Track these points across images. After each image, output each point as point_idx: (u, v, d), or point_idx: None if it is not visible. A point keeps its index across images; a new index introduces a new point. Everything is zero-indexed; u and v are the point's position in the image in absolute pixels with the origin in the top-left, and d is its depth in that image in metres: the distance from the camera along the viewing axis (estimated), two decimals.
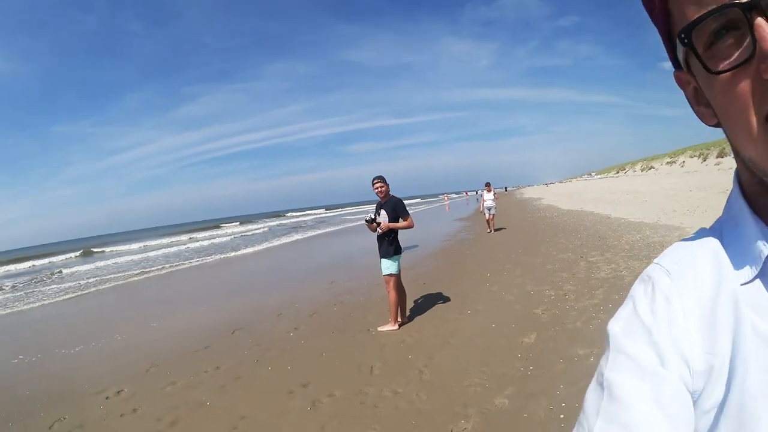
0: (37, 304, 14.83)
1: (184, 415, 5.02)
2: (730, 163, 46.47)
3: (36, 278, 25.60)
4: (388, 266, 7.05)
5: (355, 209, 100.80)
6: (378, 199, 7.25)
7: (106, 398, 5.78)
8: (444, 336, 6.45)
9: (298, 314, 8.69)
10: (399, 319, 7.25)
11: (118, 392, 5.93)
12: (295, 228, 43.11)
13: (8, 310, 14.41)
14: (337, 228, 35.91)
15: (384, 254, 7.08)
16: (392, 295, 7.05)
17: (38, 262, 40.27)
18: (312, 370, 5.85)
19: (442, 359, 5.64)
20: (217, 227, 72.91)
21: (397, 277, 7.10)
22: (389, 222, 6.99)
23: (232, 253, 23.99)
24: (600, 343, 4.95)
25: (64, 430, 5.04)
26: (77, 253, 46.50)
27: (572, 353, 5.12)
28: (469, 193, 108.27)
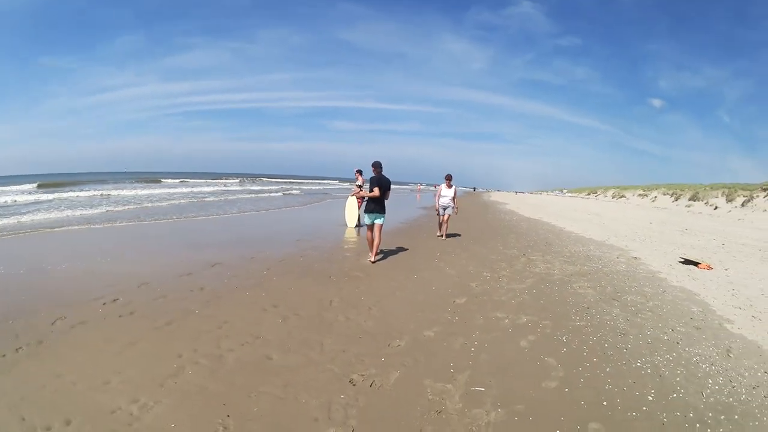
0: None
1: (177, 318, 6.16)
2: (700, 207, 48.42)
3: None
4: (364, 219, 10.74)
5: (333, 183, 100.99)
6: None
7: (104, 304, 6.67)
8: (392, 289, 8.06)
9: (268, 259, 10.24)
10: (372, 257, 10.44)
11: (114, 300, 6.85)
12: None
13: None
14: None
15: (365, 210, 10.64)
16: (368, 234, 10.60)
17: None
18: (282, 297, 7.30)
19: (387, 303, 7.20)
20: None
21: (369, 226, 10.51)
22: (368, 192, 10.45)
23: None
24: (516, 312, 6.51)
25: (66, 327, 5.76)
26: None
27: (492, 315, 6.67)
28: (421, 186, 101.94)
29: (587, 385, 4.52)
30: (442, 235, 15.01)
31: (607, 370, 4.88)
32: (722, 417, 4.03)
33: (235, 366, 4.78)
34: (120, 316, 6.20)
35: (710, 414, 4.07)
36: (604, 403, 4.18)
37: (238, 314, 6.43)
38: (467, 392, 4.31)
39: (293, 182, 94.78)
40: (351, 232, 15.79)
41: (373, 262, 10.27)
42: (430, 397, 4.23)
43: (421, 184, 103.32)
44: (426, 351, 5.31)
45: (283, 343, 5.45)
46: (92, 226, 15.48)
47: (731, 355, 5.45)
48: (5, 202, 25.34)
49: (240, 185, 63.51)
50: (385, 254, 11.32)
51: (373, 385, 4.44)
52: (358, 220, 16.79)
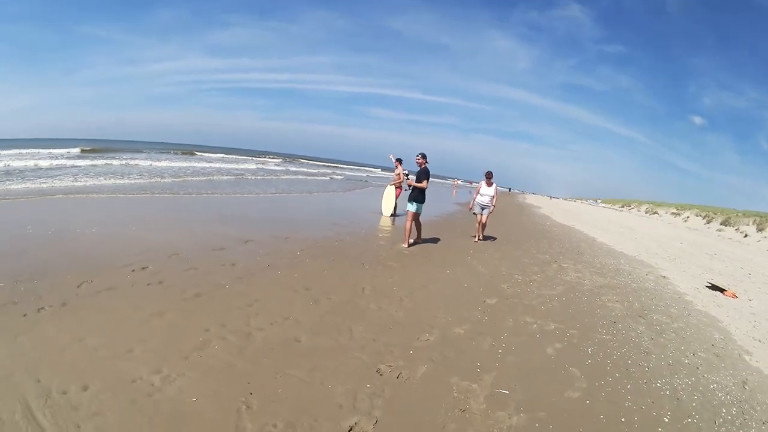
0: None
1: (206, 291, 6.28)
2: (731, 233, 47.65)
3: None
4: (408, 207, 11.17)
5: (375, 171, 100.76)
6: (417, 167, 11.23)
7: (132, 270, 6.80)
8: (424, 282, 8.28)
9: (304, 240, 10.51)
10: (409, 242, 11.32)
11: (143, 268, 6.96)
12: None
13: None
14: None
15: (409, 199, 11.20)
16: (407, 223, 11.14)
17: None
18: (314, 280, 7.48)
19: (419, 295, 7.42)
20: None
21: (413, 214, 11.12)
22: (415, 182, 11.05)
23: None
24: (545, 318, 6.71)
25: (92, 291, 5.85)
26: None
27: (522, 319, 6.86)
28: (458, 182, 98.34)
29: (608, 400, 4.67)
30: (477, 238, 14.00)
31: (628, 386, 5.03)
32: None
33: (262, 345, 4.86)
34: (148, 284, 6.31)
35: None
36: (623, 419, 4.32)
37: (269, 293, 6.55)
38: (492, 393, 4.45)
39: (334, 166, 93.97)
40: (386, 221, 15.95)
41: (410, 246, 11.21)
42: (456, 395, 4.36)
43: (458, 180, 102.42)
44: (455, 348, 5.46)
45: (314, 326, 5.56)
46: (126, 195, 15.72)
47: (747, 387, 5.53)
48: (50, 165, 26.14)
49: (279, 165, 63.62)
50: (418, 246, 11.55)
51: (400, 377, 4.56)
52: (394, 209, 17.02)
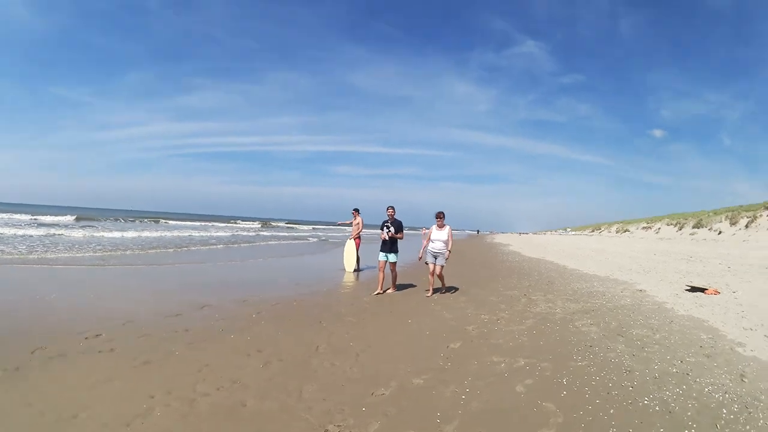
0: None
1: (157, 358, 6.09)
2: (704, 234, 48.49)
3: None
4: (389, 257, 12.23)
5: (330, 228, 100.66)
6: (386, 218, 12.29)
7: (86, 338, 6.77)
8: (384, 334, 7.79)
9: (261, 302, 10.03)
10: (380, 290, 11.90)
11: (97, 335, 6.92)
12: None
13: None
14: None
15: (389, 250, 12.22)
16: (381, 274, 12.11)
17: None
18: (267, 342, 7.08)
19: (377, 349, 6.90)
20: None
21: (391, 264, 12.26)
22: (395, 233, 12.16)
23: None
24: (513, 355, 6.22)
25: (45, 357, 5.90)
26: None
27: (488, 359, 6.34)
28: (425, 230, 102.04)
29: (589, 430, 4.22)
30: (429, 292, 11.89)
31: (611, 411, 4.58)
32: None
33: (207, 410, 4.64)
34: (99, 352, 6.23)
35: None
36: None
37: (219, 357, 6.29)
38: None
39: (314, 228, 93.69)
40: (350, 276, 15.46)
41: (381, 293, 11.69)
42: None
43: (425, 228, 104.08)
44: (412, 399, 5.02)
45: (261, 389, 5.26)
46: (89, 266, 15.25)
47: (745, 380, 5.25)
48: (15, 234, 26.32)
49: (252, 232, 62.31)
50: (381, 298, 11.15)
51: None
52: (357, 262, 16.52)
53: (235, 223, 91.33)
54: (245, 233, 50.88)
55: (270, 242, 37.39)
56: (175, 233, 40.15)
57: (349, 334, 7.74)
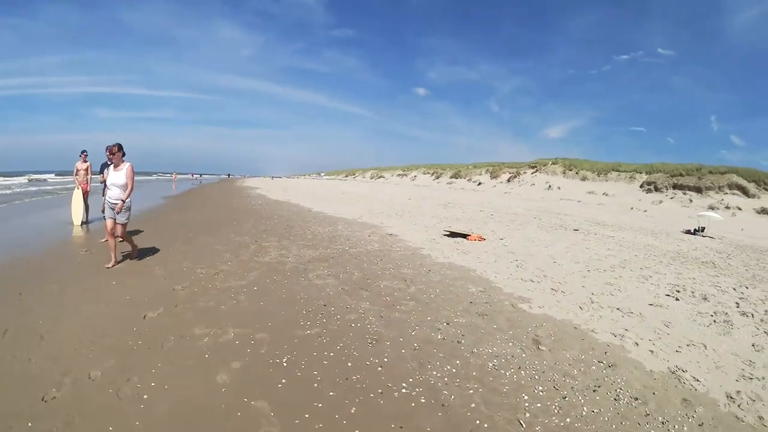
0: None
1: None
2: (463, 184, 51.31)
3: None
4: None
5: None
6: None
7: None
8: (77, 305, 5.61)
9: None
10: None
11: None
12: None
13: None
14: None
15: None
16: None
17: None
18: None
19: (65, 327, 4.93)
20: None
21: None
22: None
23: None
24: (223, 324, 4.55)
25: None
26: None
27: (189, 332, 4.72)
28: (177, 176, 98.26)
29: None
30: (112, 262, 7.56)
31: (353, 410, 3.30)
32: None
33: None
34: None
35: None
36: None
37: None
38: None
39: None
40: (78, 231, 11.89)
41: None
42: None
43: (176, 173, 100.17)
44: (85, 403, 3.46)
45: None
46: None
47: (543, 348, 4.34)
48: None
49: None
50: (101, 251, 8.45)
51: None
52: (85, 214, 13.56)
53: None
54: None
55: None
56: None
57: (44, 307, 5.55)
